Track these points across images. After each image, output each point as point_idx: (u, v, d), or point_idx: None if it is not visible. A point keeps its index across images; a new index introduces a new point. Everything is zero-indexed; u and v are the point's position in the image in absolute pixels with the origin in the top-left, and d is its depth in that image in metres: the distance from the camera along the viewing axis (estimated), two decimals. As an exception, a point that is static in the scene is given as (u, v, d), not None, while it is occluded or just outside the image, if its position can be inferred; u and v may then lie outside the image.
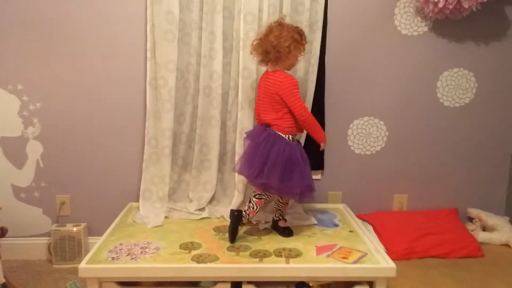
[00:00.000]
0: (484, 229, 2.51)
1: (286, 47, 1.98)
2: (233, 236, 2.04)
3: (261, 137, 2.05)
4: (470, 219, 2.59)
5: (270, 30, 2.02)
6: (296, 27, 2.05)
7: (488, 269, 2.17)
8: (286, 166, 1.99)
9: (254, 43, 2.06)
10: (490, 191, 2.62)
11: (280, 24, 2.03)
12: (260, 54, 2.04)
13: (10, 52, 2.33)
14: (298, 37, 2.01)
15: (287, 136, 2.05)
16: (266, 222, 2.28)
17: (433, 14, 2.31)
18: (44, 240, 2.48)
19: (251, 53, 2.10)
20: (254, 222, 2.27)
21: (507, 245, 2.41)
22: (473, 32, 2.45)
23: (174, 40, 2.25)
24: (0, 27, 2.30)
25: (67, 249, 2.40)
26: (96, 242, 2.03)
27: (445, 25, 2.41)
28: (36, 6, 2.29)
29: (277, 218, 2.21)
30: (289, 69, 2.10)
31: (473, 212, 2.56)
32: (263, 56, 2.04)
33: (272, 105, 2.04)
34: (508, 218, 2.52)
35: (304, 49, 2.07)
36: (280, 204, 2.21)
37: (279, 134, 2.04)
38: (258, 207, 2.09)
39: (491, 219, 2.48)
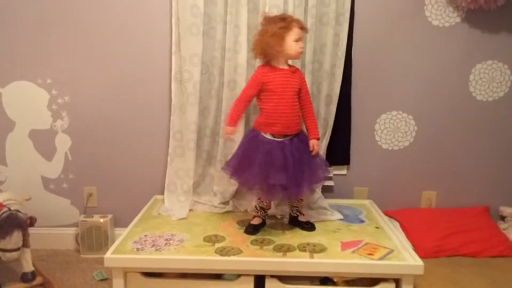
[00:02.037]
0: (517, 228, 2.42)
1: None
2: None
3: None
4: (502, 218, 2.50)
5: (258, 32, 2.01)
6: (277, 15, 2.02)
7: (521, 269, 2.09)
8: (243, 157, 2.02)
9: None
10: (524, 189, 2.52)
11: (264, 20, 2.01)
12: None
13: (40, 47, 2.38)
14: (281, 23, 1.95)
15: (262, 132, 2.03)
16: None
17: (466, 4, 2.23)
18: (72, 231, 2.54)
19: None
20: (279, 217, 2.27)
21: (541, 245, 2.31)
22: (508, 23, 2.34)
23: (199, 34, 2.24)
24: (30, 23, 2.35)
25: (94, 240, 2.44)
26: (122, 233, 2.06)
27: (479, 15, 2.32)
28: (64, 2, 2.33)
29: (295, 214, 2.18)
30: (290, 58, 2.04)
31: (506, 210, 2.47)
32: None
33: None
34: (542, 217, 2.42)
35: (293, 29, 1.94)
36: (294, 200, 2.17)
37: (251, 128, 2.09)
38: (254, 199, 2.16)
39: (524, 217, 2.39)
